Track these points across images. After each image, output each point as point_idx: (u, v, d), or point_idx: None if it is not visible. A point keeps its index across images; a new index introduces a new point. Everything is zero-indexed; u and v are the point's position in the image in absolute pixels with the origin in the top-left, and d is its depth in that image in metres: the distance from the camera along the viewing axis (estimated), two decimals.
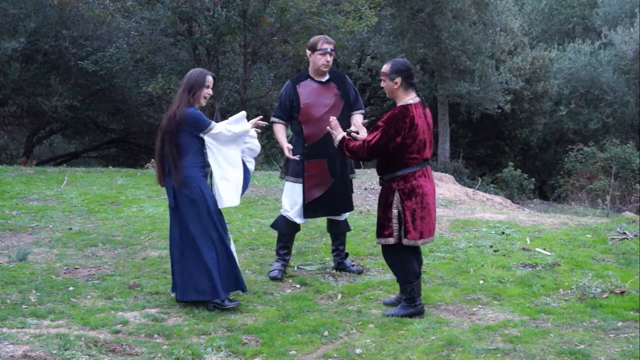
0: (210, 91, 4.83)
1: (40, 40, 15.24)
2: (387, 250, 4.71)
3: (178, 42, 15.45)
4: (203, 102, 4.81)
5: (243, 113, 4.89)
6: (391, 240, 4.59)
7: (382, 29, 18.58)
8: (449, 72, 17.74)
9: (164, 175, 4.81)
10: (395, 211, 4.56)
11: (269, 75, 16.57)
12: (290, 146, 5.38)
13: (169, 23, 14.34)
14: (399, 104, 4.56)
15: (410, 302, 4.66)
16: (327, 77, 5.49)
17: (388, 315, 4.65)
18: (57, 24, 15.53)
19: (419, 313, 4.67)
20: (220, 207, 4.80)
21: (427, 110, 4.68)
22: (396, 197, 4.55)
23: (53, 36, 15.42)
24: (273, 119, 5.56)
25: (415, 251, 4.73)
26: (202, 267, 4.70)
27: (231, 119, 4.91)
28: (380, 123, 4.51)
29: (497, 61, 18.76)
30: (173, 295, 4.94)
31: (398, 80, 4.54)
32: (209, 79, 4.81)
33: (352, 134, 4.80)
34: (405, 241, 4.57)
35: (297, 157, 5.36)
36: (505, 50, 19.11)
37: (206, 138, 4.75)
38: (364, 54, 19.75)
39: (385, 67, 4.61)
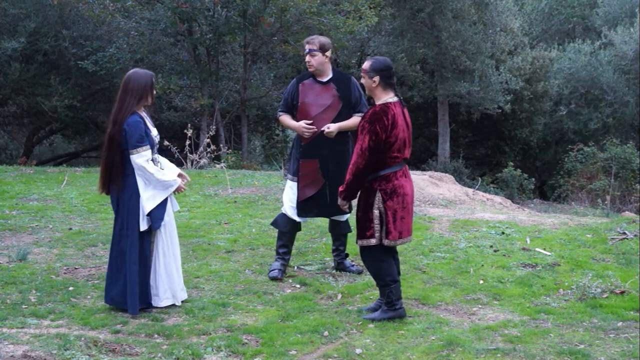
0: (154, 91, 4.74)
1: (40, 40, 15.24)
2: (366, 252, 4.62)
3: (178, 42, 15.47)
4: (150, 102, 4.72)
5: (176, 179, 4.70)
6: (373, 241, 4.51)
7: (382, 29, 18.59)
8: (449, 72, 17.74)
9: (109, 183, 4.71)
10: (376, 212, 4.49)
11: (269, 75, 16.59)
12: (307, 122, 5.36)
13: (169, 23, 14.36)
14: (378, 102, 4.51)
15: (390, 305, 4.59)
16: (328, 77, 5.49)
17: (367, 320, 4.58)
18: (57, 24, 15.54)
19: (400, 317, 4.60)
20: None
21: (406, 109, 4.63)
22: (378, 197, 4.47)
23: (53, 36, 15.42)
24: (279, 112, 5.62)
25: (393, 253, 4.69)
26: (122, 277, 4.63)
27: (166, 162, 4.77)
28: (365, 124, 4.42)
29: (497, 61, 18.77)
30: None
31: (376, 79, 4.49)
32: (153, 80, 4.72)
33: None
34: (386, 242, 4.51)
35: (311, 127, 5.34)
36: (505, 50, 19.12)
37: (131, 157, 4.57)
38: (364, 54, 19.74)
39: (366, 65, 4.54)
